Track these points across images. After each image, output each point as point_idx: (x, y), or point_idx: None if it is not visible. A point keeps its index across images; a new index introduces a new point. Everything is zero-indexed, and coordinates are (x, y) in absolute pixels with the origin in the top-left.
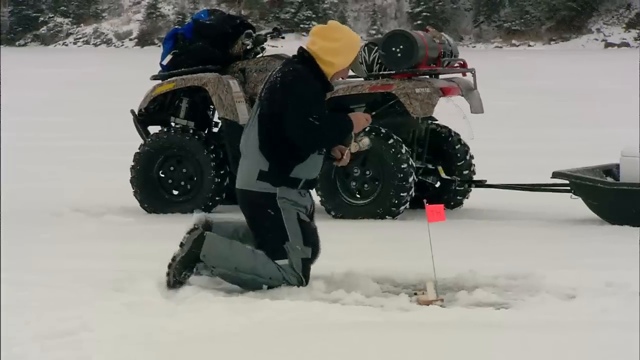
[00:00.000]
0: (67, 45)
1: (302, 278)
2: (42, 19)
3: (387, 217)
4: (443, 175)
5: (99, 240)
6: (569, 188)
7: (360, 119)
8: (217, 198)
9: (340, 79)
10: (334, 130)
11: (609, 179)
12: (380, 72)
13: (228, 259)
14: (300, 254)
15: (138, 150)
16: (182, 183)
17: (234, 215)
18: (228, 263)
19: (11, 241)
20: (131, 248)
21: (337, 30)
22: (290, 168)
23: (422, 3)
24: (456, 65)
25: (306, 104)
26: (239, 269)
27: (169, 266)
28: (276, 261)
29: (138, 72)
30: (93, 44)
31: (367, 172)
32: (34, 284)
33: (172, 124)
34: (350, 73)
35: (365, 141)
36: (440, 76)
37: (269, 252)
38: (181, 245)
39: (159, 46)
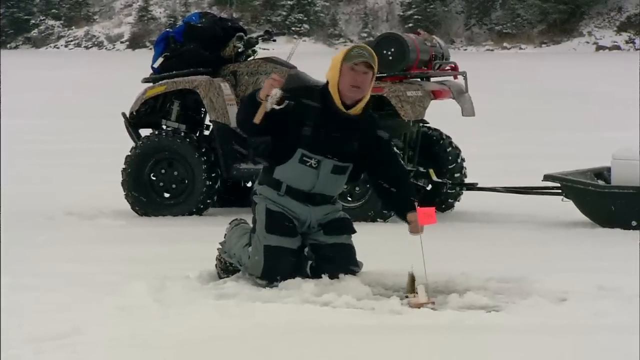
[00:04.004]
0: (58, 47)
1: (260, 264)
2: (33, 21)
3: (378, 219)
4: (434, 178)
5: (92, 244)
6: (560, 191)
7: (265, 82)
8: (208, 201)
9: (352, 91)
10: (242, 104)
11: (600, 182)
12: None
13: (230, 246)
14: (263, 240)
15: (129, 153)
16: (174, 186)
17: (226, 218)
18: (226, 248)
19: (4, 244)
20: (123, 251)
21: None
22: (272, 168)
23: (413, 6)
24: (447, 68)
25: None
26: (230, 255)
27: (218, 249)
28: (248, 249)
29: (129, 74)
30: (84, 46)
31: None
32: (26, 287)
33: (164, 126)
34: None
35: (275, 93)
36: (432, 79)
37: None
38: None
39: (151, 49)
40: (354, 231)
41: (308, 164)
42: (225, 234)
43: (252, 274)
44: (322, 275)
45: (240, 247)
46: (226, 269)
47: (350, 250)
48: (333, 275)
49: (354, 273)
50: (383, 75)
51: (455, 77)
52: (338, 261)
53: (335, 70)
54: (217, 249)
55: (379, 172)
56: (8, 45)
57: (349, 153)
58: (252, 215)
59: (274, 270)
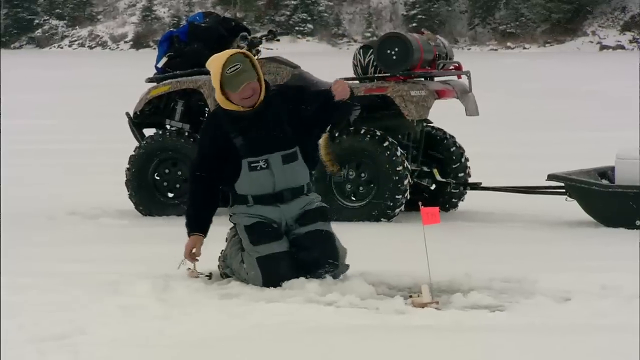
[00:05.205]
0: (62, 47)
1: (259, 276)
2: (37, 21)
3: (382, 219)
4: (438, 177)
5: (94, 243)
6: (564, 190)
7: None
8: None
9: (247, 101)
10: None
11: (604, 182)
12: (375, 75)
13: (230, 262)
14: (253, 254)
15: (133, 153)
16: (177, 185)
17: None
18: (228, 262)
19: (5, 244)
20: (126, 251)
21: (209, 65)
22: (233, 188)
23: (417, 6)
24: (451, 67)
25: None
26: (232, 270)
27: (219, 259)
28: (244, 266)
29: (133, 74)
30: (88, 46)
31: (362, 175)
32: (28, 287)
33: (167, 126)
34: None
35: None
36: (436, 79)
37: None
38: (226, 240)
39: (154, 49)
40: (329, 217)
41: (258, 167)
42: (226, 238)
43: (255, 284)
44: (326, 276)
45: (237, 264)
46: (227, 275)
47: (326, 235)
48: (335, 275)
49: (335, 261)
50: (387, 75)
51: (459, 77)
52: (314, 247)
53: (219, 94)
54: (218, 259)
55: (320, 117)
56: (12, 45)
57: (285, 137)
58: (237, 236)
59: (274, 277)
